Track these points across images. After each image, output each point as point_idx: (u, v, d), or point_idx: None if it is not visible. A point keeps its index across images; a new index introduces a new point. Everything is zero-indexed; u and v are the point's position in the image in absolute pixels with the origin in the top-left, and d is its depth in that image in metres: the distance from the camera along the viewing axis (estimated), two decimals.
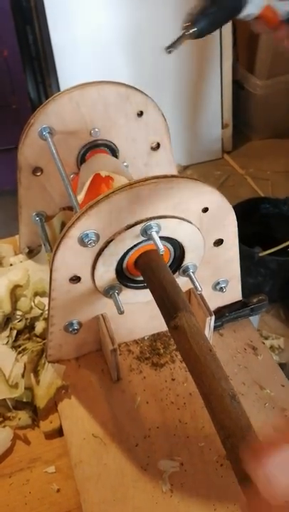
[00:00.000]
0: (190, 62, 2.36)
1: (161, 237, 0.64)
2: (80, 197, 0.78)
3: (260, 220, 2.04)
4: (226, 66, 2.44)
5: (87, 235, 0.61)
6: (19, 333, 0.83)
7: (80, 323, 0.74)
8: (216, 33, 2.33)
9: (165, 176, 0.60)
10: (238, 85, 2.56)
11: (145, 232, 0.63)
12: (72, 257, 0.64)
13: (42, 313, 0.84)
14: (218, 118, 2.57)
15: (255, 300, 0.83)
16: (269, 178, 2.53)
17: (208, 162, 2.65)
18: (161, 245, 0.61)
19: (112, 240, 0.63)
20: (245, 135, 2.76)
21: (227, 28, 2.35)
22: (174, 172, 0.95)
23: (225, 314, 0.82)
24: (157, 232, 0.63)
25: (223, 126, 2.60)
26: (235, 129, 2.66)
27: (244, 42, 2.53)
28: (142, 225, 0.63)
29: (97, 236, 0.62)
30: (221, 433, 0.48)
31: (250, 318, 0.85)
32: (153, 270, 0.66)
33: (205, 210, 0.66)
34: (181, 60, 2.33)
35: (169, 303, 0.61)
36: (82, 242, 0.62)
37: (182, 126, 2.51)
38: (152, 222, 0.63)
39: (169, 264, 0.71)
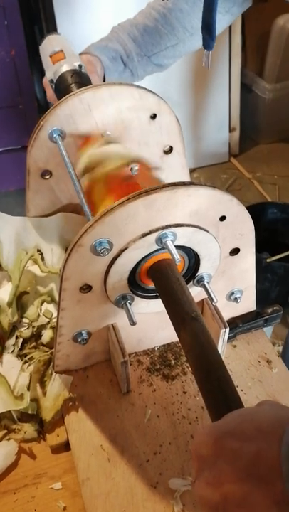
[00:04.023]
0: (198, 64, 2.33)
1: (176, 246, 0.62)
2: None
3: (267, 225, 2.01)
4: (235, 69, 2.42)
5: (100, 242, 0.58)
6: (25, 341, 0.80)
7: (89, 333, 0.71)
8: (225, 35, 2.31)
9: (183, 184, 0.57)
10: (246, 88, 2.53)
11: (160, 240, 0.61)
12: (83, 265, 0.61)
13: (49, 322, 0.81)
14: (226, 121, 2.54)
15: (269, 310, 0.81)
16: (276, 182, 2.51)
17: (215, 165, 2.62)
18: (177, 255, 0.59)
19: (125, 249, 0.60)
20: (252, 139, 2.73)
21: (236, 31, 2.32)
22: (187, 176, 0.92)
23: (238, 325, 0.79)
24: (173, 241, 0.61)
25: (231, 130, 2.58)
26: (243, 132, 2.64)
27: (253, 45, 2.50)
28: (157, 233, 0.60)
29: (111, 244, 0.59)
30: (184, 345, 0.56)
31: (264, 329, 0.82)
32: (166, 280, 0.63)
33: (222, 218, 0.63)
34: (189, 62, 2.31)
35: (181, 313, 0.59)
36: (95, 250, 0.59)
37: (189, 129, 2.48)
38: (168, 231, 0.60)
39: (182, 274, 0.69)
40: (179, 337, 0.58)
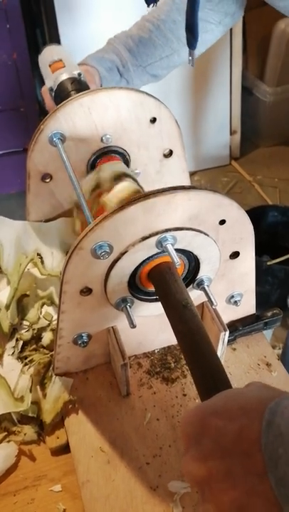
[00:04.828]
0: (199, 67, 2.34)
1: (176, 249, 0.62)
2: None
3: (268, 228, 2.02)
4: (236, 72, 2.42)
5: (100, 246, 0.59)
6: (25, 343, 0.80)
7: (89, 336, 0.71)
8: (226, 39, 2.32)
9: (183, 187, 0.57)
10: (247, 91, 2.54)
11: (160, 244, 0.61)
12: (84, 268, 0.61)
13: (49, 324, 0.82)
14: (227, 124, 2.55)
15: (269, 314, 0.81)
16: (277, 185, 2.51)
17: (216, 168, 2.63)
18: (177, 258, 0.59)
19: (125, 252, 0.61)
20: (253, 142, 2.73)
21: (237, 34, 2.33)
22: (187, 180, 0.92)
23: (238, 328, 0.79)
24: (173, 244, 0.61)
25: (232, 133, 2.58)
26: (244, 135, 2.64)
27: (254, 48, 2.51)
28: (157, 237, 0.60)
29: (111, 248, 0.60)
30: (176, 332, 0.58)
31: (264, 332, 0.83)
32: (166, 283, 0.63)
33: (222, 222, 0.63)
34: (190, 65, 2.31)
35: (173, 302, 0.60)
36: (95, 253, 0.59)
37: (190, 132, 2.49)
38: (168, 235, 0.61)
39: (182, 277, 0.69)
40: (172, 328, 0.59)
